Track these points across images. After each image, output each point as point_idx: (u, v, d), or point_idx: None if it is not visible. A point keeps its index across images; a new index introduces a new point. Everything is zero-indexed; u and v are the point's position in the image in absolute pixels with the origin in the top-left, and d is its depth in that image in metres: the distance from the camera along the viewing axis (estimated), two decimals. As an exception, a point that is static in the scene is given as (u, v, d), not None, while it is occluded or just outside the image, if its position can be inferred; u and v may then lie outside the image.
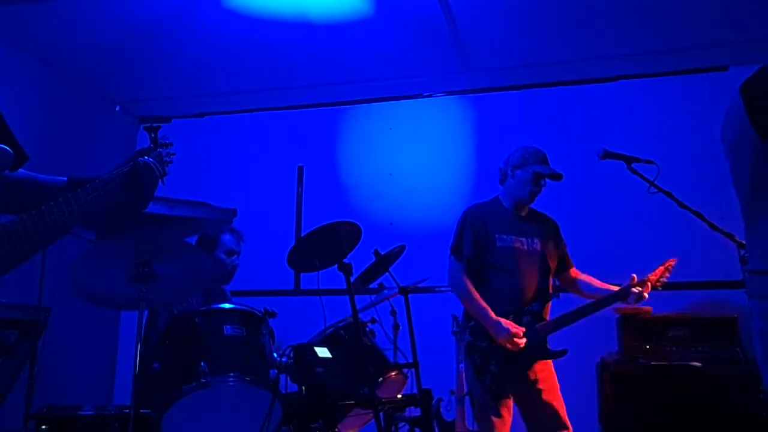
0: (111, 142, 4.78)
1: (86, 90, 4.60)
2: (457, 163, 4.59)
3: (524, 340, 2.89)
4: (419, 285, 3.24)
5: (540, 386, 2.97)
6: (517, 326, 2.91)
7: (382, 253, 2.98)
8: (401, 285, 2.98)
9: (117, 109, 4.92)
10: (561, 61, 4.24)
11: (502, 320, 2.90)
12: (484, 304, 2.95)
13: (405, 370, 2.89)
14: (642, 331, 3.54)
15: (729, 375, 3.31)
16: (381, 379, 2.73)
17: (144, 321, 2.45)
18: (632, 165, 2.97)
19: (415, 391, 2.63)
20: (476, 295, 2.98)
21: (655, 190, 2.88)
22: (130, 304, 2.54)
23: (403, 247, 3.11)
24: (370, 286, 3.21)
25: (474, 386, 3.00)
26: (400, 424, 3.00)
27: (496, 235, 3.06)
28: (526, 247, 3.08)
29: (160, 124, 1.83)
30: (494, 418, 2.92)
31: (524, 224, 3.15)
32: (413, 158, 4.64)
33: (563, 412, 2.97)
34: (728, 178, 1.63)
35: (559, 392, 3.01)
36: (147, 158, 1.66)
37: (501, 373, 2.91)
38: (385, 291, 3.50)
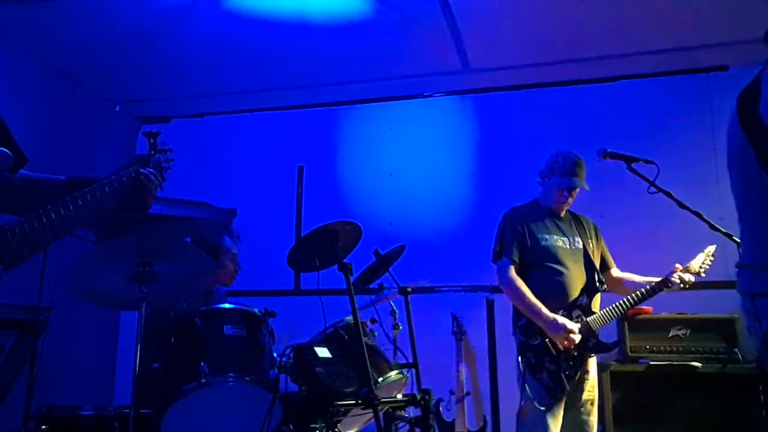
0: (111, 142, 4.78)
1: (86, 90, 4.59)
2: (458, 163, 4.58)
3: (579, 337, 2.94)
4: (419, 285, 3.24)
5: (586, 386, 3.04)
6: (572, 323, 2.95)
7: (382, 253, 2.98)
8: (401, 285, 2.98)
9: (117, 109, 4.92)
10: (561, 61, 4.23)
11: (558, 317, 2.96)
12: (538, 302, 3.00)
13: (405, 370, 2.89)
14: (642, 330, 3.56)
15: (728, 375, 3.32)
16: (381, 379, 2.73)
17: (143, 321, 2.46)
18: (632, 165, 2.98)
19: (415, 391, 2.63)
20: (529, 293, 3.03)
21: (655, 190, 2.89)
22: (130, 304, 2.54)
23: (403, 247, 3.12)
24: (370, 286, 3.21)
25: (529, 386, 2.98)
26: (400, 424, 3.00)
27: (539, 236, 3.13)
28: (568, 246, 3.15)
29: (159, 131, 1.84)
30: (549, 418, 2.92)
31: (564, 224, 3.23)
32: (413, 158, 4.64)
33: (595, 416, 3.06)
34: (727, 179, 1.67)
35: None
36: (148, 169, 1.66)
37: (557, 369, 2.94)
38: (385, 291, 3.50)
